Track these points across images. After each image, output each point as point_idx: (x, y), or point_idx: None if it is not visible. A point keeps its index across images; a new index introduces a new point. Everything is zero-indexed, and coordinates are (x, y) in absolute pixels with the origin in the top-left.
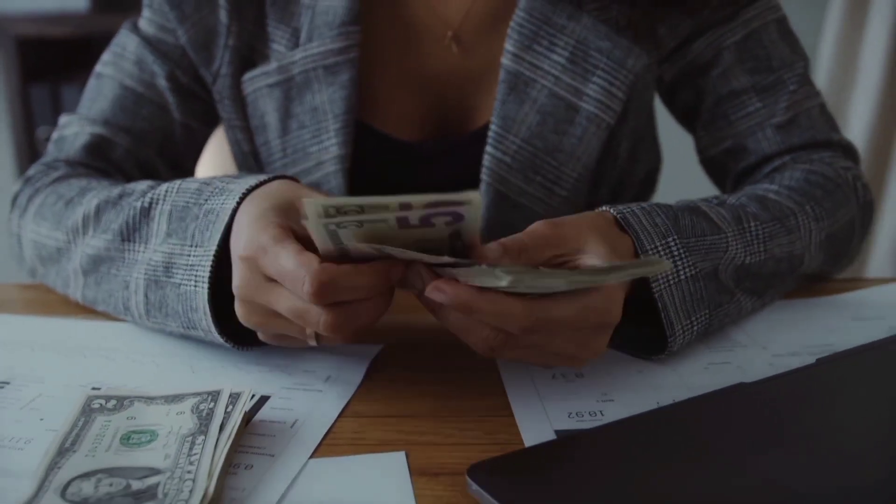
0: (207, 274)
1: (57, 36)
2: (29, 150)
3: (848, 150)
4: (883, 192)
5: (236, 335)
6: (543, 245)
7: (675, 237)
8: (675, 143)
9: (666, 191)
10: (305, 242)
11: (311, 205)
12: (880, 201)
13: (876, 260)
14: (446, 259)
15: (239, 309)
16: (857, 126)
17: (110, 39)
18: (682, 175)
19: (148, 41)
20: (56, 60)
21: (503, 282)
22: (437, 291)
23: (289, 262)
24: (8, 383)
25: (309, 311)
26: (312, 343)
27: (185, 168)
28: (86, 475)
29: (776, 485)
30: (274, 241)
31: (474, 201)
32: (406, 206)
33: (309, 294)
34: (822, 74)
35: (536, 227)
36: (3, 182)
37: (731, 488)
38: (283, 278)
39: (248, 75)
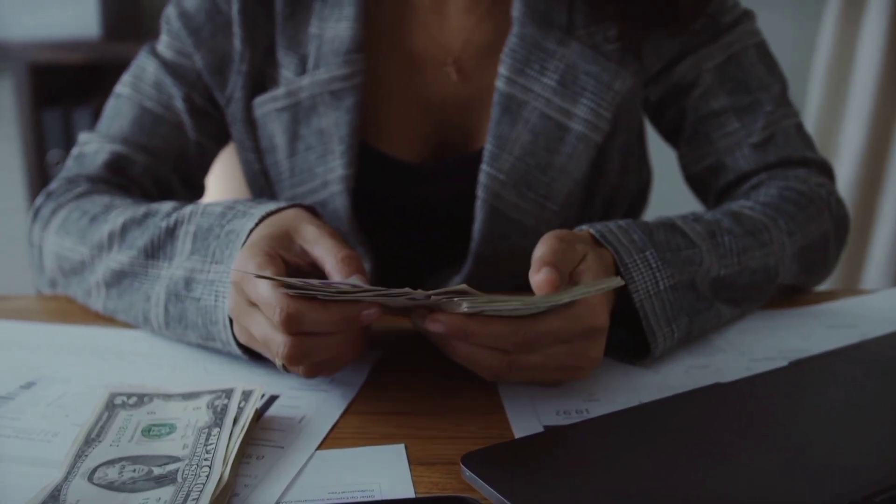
0: (228, 289)
1: (69, 62)
2: (40, 174)
3: (823, 168)
4: (877, 203)
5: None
6: (567, 259)
7: (653, 251)
8: (668, 160)
9: (658, 206)
10: (294, 269)
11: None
12: (875, 212)
13: (871, 273)
14: (406, 292)
15: (234, 327)
16: (852, 133)
17: (122, 66)
18: (674, 191)
19: (166, 64)
20: (68, 86)
21: (463, 307)
22: (434, 322)
23: (265, 291)
24: (35, 383)
25: (274, 338)
26: (281, 369)
27: (197, 183)
28: (111, 462)
29: (747, 474)
30: (257, 269)
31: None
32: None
33: (278, 322)
34: (817, 80)
35: (554, 250)
36: (16, 203)
37: (704, 476)
38: (261, 305)
39: (258, 99)
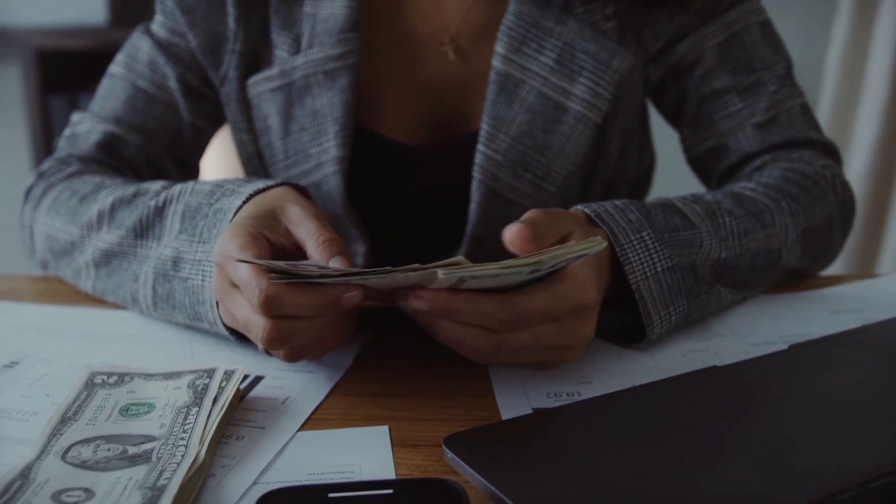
0: (213, 269)
1: (75, 48)
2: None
3: (828, 149)
4: (892, 193)
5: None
6: (549, 231)
7: (650, 231)
8: (672, 144)
9: (662, 191)
10: (279, 250)
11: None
12: (889, 202)
13: (885, 263)
14: (386, 269)
15: (220, 308)
16: (866, 124)
17: None
18: (678, 175)
19: (160, 44)
20: (74, 72)
21: (440, 275)
22: (417, 299)
23: (245, 272)
24: (18, 363)
25: (254, 321)
26: (263, 352)
27: (191, 165)
28: (85, 441)
29: (740, 461)
30: (239, 250)
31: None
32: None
33: (257, 305)
34: (830, 72)
35: (536, 216)
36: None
37: (697, 461)
38: (241, 287)
39: (252, 79)
